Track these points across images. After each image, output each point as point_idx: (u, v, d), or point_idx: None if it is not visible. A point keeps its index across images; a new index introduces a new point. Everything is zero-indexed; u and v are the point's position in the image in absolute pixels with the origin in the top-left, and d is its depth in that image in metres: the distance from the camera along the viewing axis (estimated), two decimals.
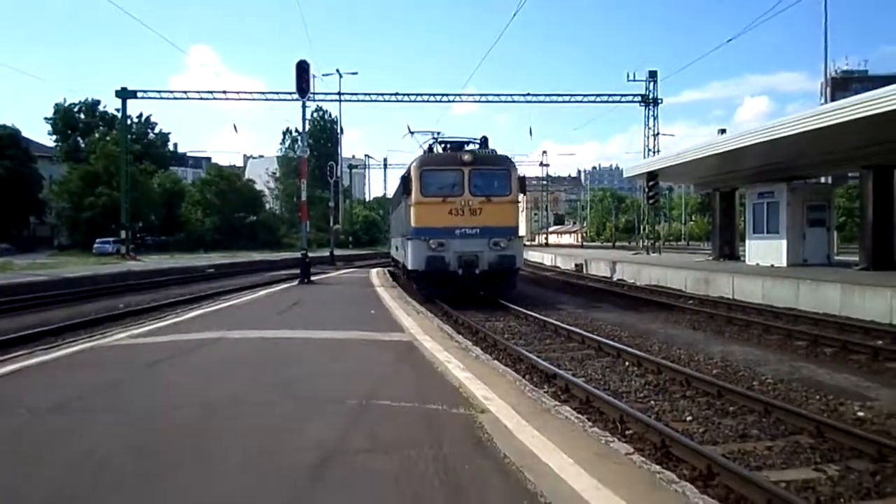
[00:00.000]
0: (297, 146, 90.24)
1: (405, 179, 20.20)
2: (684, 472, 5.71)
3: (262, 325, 12.33)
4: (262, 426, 5.67)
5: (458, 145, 21.06)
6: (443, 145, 21.54)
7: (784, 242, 25.24)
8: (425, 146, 22.36)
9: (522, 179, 20.27)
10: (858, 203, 28.31)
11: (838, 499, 5.41)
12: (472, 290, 19.35)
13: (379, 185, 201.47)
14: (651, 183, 38.79)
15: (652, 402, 8.38)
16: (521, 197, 20.27)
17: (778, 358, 11.44)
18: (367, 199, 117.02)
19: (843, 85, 78.76)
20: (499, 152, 21.09)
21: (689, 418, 7.66)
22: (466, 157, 19.34)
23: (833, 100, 26.79)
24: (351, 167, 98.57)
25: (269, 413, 6.09)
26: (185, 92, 50.18)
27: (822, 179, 31.82)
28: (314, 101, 56.56)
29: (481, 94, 57.59)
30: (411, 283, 21.12)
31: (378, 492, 4.18)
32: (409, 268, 19.90)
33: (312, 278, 24.50)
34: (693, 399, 8.47)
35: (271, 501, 4.05)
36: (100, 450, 5.00)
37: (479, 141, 21.60)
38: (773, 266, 24.51)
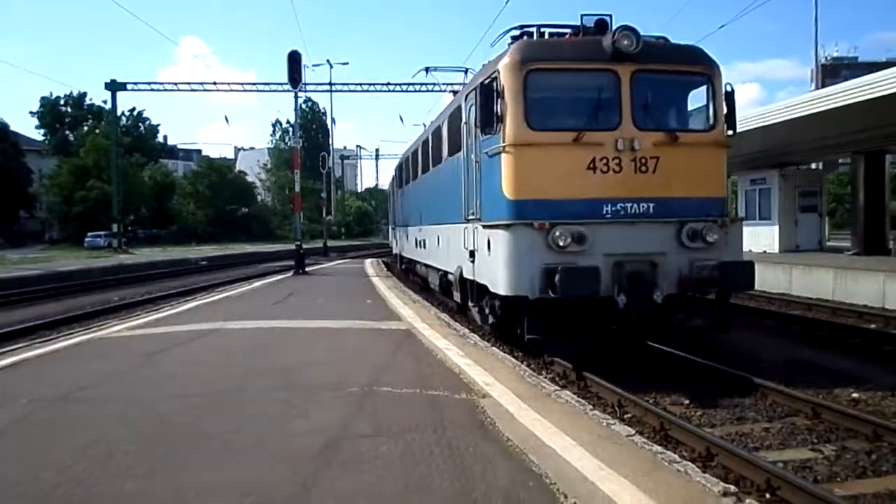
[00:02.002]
0: (288, 137, 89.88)
1: (477, 100, 9.50)
2: (684, 453, 5.78)
3: (260, 315, 12.34)
4: (266, 413, 5.71)
5: (590, 29, 9.69)
6: (555, 32, 10.08)
7: (776, 228, 25.41)
8: (502, 43, 10.26)
9: (731, 98, 9.56)
10: (850, 189, 28.49)
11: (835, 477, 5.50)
12: (641, 336, 9.51)
13: (371, 176, 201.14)
14: None
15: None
16: (729, 134, 9.59)
17: (773, 343, 11.54)
18: (360, 190, 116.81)
19: (832, 72, 78.97)
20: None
21: (686, 402, 7.73)
22: (625, 44, 8.72)
23: (823, 86, 26.88)
24: (343, 158, 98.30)
25: (273, 400, 6.13)
26: (175, 83, 49.74)
27: (813, 166, 31.98)
28: (305, 91, 56.24)
29: None
30: (482, 315, 10.69)
31: (384, 473, 4.23)
32: (495, 290, 9.20)
33: (307, 269, 24.48)
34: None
35: (280, 483, 4.09)
36: (105, 438, 5.03)
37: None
38: (765, 252, 24.65)
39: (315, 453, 4.61)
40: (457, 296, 12.08)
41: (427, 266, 16.86)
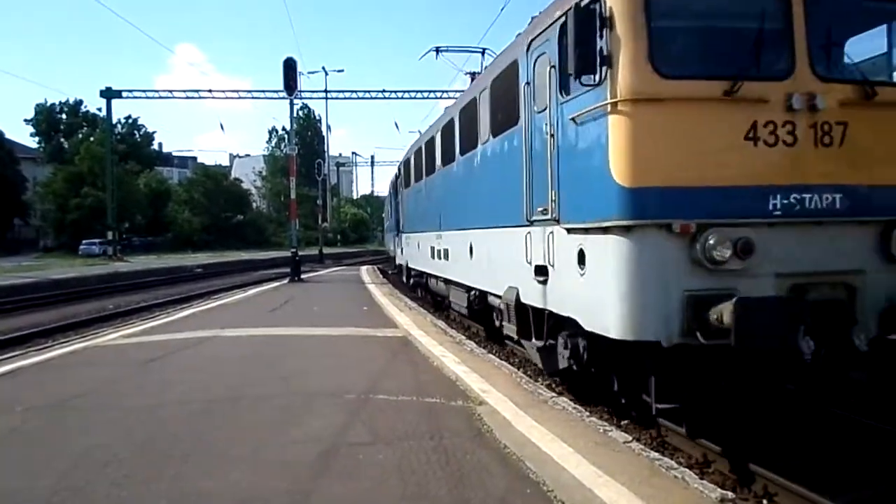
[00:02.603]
0: (283, 144, 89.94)
1: (569, 34, 5.98)
2: (681, 459, 5.78)
3: (256, 322, 12.32)
4: (263, 420, 5.70)
5: None
6: None
7: None
8: None
9: None
10: None
11: None
12: (827, 399, 6.46)
13: (367, 183, 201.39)
14: None
15: None
16: None
17: None
18: (356, 197, 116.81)
19: None
20: None
21: None
22: None
23: None
24: (338, 165, 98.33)
25: (270, 407, 6.13)
26: (170, 91, 50.01)
27: None
28: (301, 99, 56.36)
29: None
30: (550, 358, 7.69)
31: (381, 481, 4.23)
32: (594, 328, 6.07)
33: (302, 277, 24.46)
34: None
35: (277, 491, 4.09)
36: (102, 445, 5.02)
37: None
38: None
39: (312, 461, 4.61)
40: (509, 328, 8.56)
41: (448, 282, 13.55)
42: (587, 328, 6.13)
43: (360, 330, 11.05)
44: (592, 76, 5.74)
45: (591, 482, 4.13)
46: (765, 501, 4.98)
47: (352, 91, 49.87)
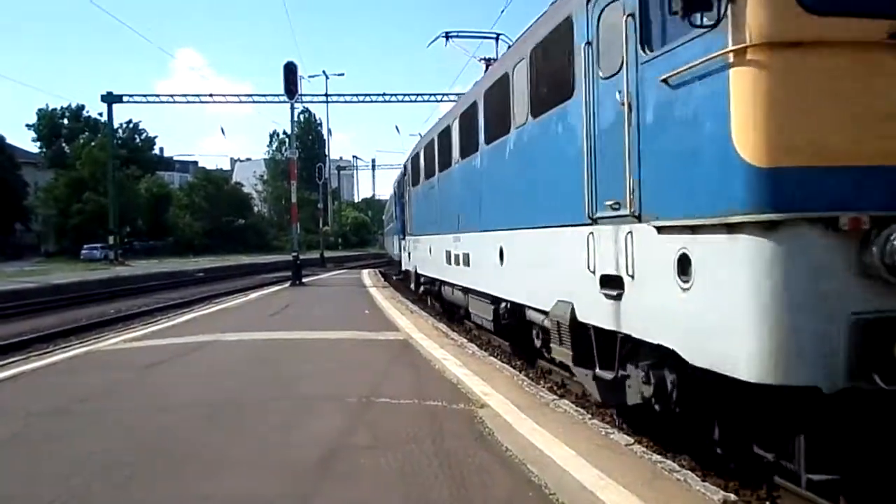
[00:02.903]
0: (284, 148, 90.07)
1: None
2: (683, 462, 5.76)
3: (257, 326, 12.31)
4: (263, 424, 5.69)
5: None
6: None
7: None
8: None
9: None
10: None
11: None
12: None
13: (368, 187, 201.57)
14: None
15: None
16: None
17: None
18: (357, 201, 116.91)
19: None
20: None
21: None
22: None
23: None
24: (339, 168, 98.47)
25: (271, 411, 6.12)
26: (171, 95, 49.98)
27: None
28: (301, 102, 56.45)
29: None
30: (615, 390, 6.17)
31: (383, 485, 4.21)
32: (712, 365, 4.38)
33: (304, 280, 24.46)
34: None
35: (277, 495, 4.08)
36: (103, 450, 5.01)
37: None
38: None
39: (313, 465, 4.60)
40: (561, 352, 6.97)
41: (468, 291, 11.92)
42: (694, 362, 4.57)
43: (361, 333, 11.04)
44: (706, 14, 4.23)
45: (593, 485, 4.11)
46: (767, 503, 4.96)
47: (352, 94, 50.05)
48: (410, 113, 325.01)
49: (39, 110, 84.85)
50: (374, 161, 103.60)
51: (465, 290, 12.11)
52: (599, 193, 5.89)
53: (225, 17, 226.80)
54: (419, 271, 18.07)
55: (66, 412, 6.27)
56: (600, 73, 5.87)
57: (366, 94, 49.34)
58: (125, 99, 48.39)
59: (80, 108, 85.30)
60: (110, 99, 47.95)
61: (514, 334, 9.96)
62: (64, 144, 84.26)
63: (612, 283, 5.72)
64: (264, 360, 8.89)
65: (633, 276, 5.36)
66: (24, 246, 74.21)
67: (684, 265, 4.61)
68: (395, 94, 48.65)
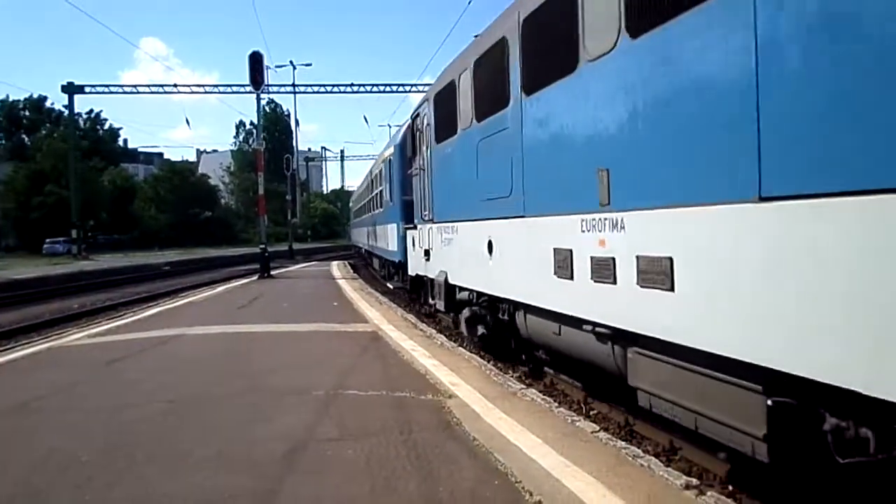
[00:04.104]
0: (251, 139, 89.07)
1: None
2: (648, 447, 5.84)
3: (224, 320, 12.18)
4: (229, 419, 5.63)
5: None
6: None
7: None
8: None
9: None
10: None
11: None
12: None
13: (336, 178, 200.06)
14: None
15: None
16: None
17: None
18: (325, 192, 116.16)
19: None
20: None
21: None
22: None
23: None
24: (308, 160, 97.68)
25: (236, 406, 6.05)
26: (134, 86, 49.20)
27: None
28: (268, 93, 55.89)
29: None
30: None
31: (350, 477, 4.20)
32: None
33: (272, 273, 24.25)
34: None
35: (243, 491, 4.04)
36: (64, 448, 4.91)
37: None
38: None
39: (280, 459, 4.56)
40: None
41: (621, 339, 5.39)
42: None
43: (329, 326, 10.98)
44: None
45: (558, 472, 4.15)
46: (730, 486, 5.05)
47: (320, 85, 49.56)
48: (379, 106, 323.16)
49: None
50: (342, 152, 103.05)
51: (602, 338, 5.85)
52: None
53: (190, 5, 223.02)
54: (460, 283, 10.08)
55: (25, 410, 6.14)
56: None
57: (334, 85, 49.04)
58: (87, 90, 47.39)
59: (42, 99, 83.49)
60: (71, 90, 46.90)
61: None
62: (24, 136, 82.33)
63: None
64: (231, 354, 8.79)
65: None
66: None
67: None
68: (364, 85, 48.38)
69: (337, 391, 6.39)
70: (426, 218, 11.47)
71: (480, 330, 9.38)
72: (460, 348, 9.09)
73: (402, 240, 15.53)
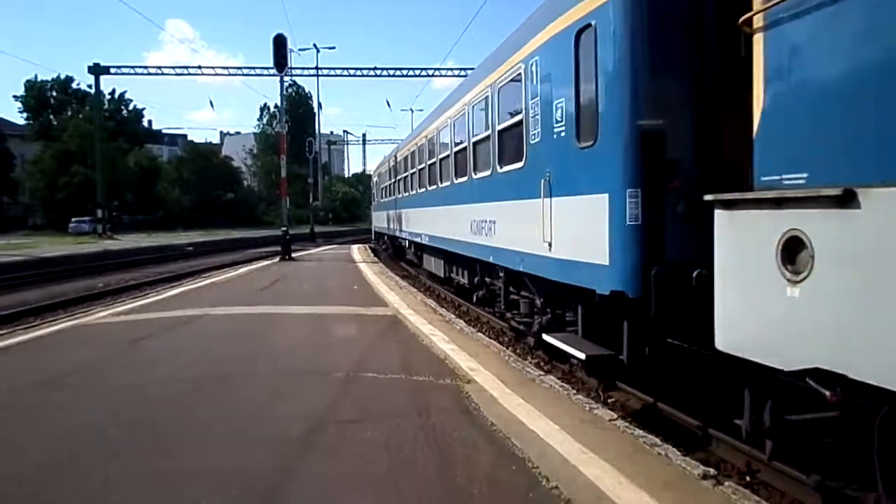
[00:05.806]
0: (275, 122, 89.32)
1: None
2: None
3: (245, 301, 12.29)
4: (250, 398, 5.71)
5: None
6: None
7: None
8: None
9: None
10: None
11: None
12: None
13: (358, 162, 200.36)
14: None
15: None
16: None
17: None
18: (347, 175, 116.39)
19: None
20: None
21: None
22: None
23: None
24: (330, 143, 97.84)
25: (257, 385, 6.14)
26: (159, 67, 49.72)
27: None
28: (291, 76, 56.02)
29: (462, 69, 57.11)
30: None
31: (369, 458, 4.24)
32: None
33: (293, 255, 24.40)
34: None
35: (263, 468, 4.10)
36: (90, 423, 5.02)
37: None
38: None
39: (299, 438, 4.62)
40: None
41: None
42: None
43: (350, 308, 11.05)
44: None
45: (575, 459, 4.16)
46: (748, 478, 5.03)
47: (343, 68, 49.55)
48: (401, 89, 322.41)
49: (27, 81, 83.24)
50: (364, 136, 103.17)
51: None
52: None
53: None
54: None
55: (51, 386, 6.26)
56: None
57: (357, 69, 48.97)
58: (112, 71, 47.76)
59: (69, 79, 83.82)
60: (97, 70, 47.32)
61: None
62: (52, 116, 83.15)
63: None
64: (253, 335, 8.89)
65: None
66: (10, 219, 73.58)
67: None
68: (387, 69, 48.35)
69: (357, 373, 6.44)
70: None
71: None
72: (479, 333, 9.11)
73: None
